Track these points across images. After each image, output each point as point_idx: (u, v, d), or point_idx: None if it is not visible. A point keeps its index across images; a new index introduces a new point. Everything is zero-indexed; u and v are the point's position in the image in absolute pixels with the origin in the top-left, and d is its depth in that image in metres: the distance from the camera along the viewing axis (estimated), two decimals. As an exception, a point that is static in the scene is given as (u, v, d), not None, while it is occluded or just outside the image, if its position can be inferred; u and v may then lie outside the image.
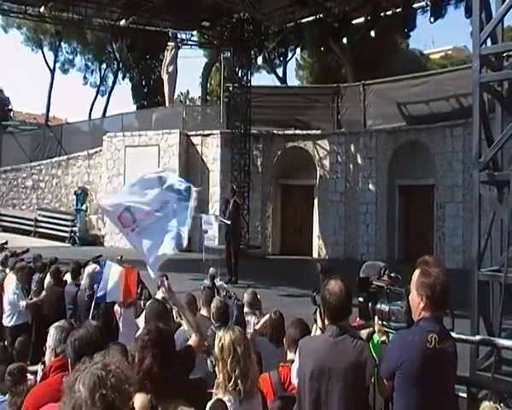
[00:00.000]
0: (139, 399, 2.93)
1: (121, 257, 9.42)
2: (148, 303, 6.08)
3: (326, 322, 3.46)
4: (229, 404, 3.39)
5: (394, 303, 3.59)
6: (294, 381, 3.52)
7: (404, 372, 3.16)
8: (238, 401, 3.44)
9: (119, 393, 1.65)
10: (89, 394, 1.58)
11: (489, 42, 5.05)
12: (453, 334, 3.45)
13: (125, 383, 1.69)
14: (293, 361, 3.96)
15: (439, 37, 69.73)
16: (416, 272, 3.29)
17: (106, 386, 1.61)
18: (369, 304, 3.67)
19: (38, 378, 4.26)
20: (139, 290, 7.86)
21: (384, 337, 3.52)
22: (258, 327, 5.66)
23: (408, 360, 3.15)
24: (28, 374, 5.31)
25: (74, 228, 23.69)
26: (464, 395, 4.71)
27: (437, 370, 3.15)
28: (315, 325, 4.04)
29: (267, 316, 5.27)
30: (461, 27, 32.24)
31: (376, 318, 3.60)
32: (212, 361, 4.27)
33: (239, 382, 3.44)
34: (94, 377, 1.62)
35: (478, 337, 4.64)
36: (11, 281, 8.47)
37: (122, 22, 20.08)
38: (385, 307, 3.59)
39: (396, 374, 3.19)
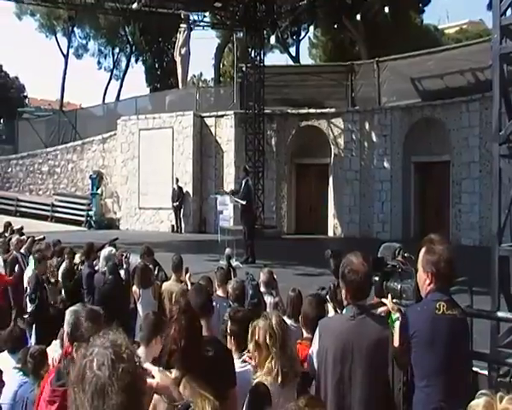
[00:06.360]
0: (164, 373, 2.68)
1: (116, 239, 9.80)
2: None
3: (345, 302, 3.48)
4: (270, 388, 3.40)
5: (405, 281, 3.74)
6: (314, 365, 3.53)
7: (417, 340, 3.27)
8: (278, 385, 3.45)
9: (136, 365, 1.60)
10: (110, 372, 1.52)
11: (509, 12, 4.92)
12: (474, 309, 3.52)
13: (135, 355, 1.63)
14: (309, 339, 3.97)
15: (453, 11, 68.52)
16: (422, 251, 3.40)
17: (124, 360, 1.56)
18: (384, 283, 3.81)
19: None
20: (156, 272, 7.94)
21: (398, 314, 3.59)
22: None
23: (419, 328, 3.28)
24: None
25: (90, 212, 23.86)
26: (485, 371, 4.68)
27: (447, 334, 3.26)
28: (328, 305, 4.10)
29: None
30: (476, 0, 31.61)
31: (390, 296, 3.73)
32: None
33: (279, 367, 3.47)
34: (109, 354, 1.55)
35: (499, 313, 4.59)
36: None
37: (134, 5, 20.00)
38: (397, 286, 3.75)
39: (411, 344, 3.29)
